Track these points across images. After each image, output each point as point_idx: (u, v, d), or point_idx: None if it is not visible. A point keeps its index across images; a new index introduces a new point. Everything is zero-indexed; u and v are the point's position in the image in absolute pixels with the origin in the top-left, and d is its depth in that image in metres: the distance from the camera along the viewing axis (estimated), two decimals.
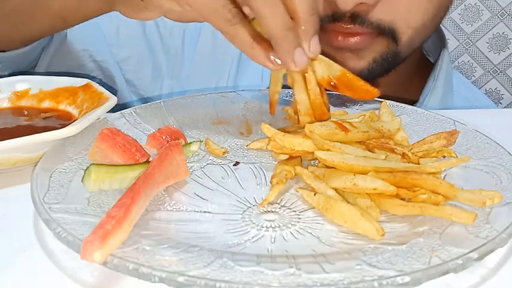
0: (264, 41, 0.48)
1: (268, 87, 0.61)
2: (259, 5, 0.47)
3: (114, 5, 0.62)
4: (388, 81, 0.80)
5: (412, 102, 0.74)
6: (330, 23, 0.72)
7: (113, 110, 0.59)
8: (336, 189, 0.47)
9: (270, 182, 0.50)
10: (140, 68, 0.87)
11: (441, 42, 0.91)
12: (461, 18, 1.74)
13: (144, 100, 0.89)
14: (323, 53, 0.51)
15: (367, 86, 0.51)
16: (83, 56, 0.84)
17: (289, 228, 0.45)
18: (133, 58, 0.86)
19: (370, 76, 0.76)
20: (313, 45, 0.49)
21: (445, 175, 0.50)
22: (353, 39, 0.72)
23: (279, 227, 0.45)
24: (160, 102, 0.64)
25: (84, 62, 0.84)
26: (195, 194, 0.49)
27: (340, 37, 0.72)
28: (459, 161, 0.49)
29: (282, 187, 0.48)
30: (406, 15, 0.72)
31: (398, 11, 0.71)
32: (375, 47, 0.74)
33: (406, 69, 0.82)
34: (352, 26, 0.71)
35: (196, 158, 0.56)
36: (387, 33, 0.72)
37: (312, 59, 0.51)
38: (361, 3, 0.68)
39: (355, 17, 0.70)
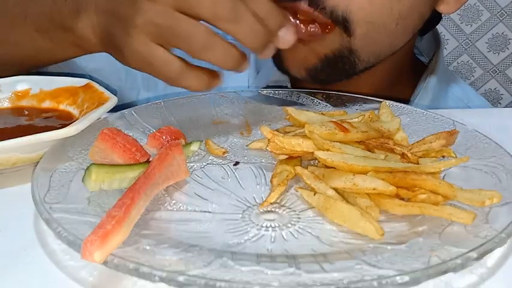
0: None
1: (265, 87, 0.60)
2: (228, 27, 0.51)
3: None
4: (373, 80, 0.77)
5: (401, 101, 0.71)
6: (288, 2, 0.66)
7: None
8: (335, 189, 0.47)
9: (271, 181, 0.50)
10: (112, 80, 0.83)
11: (436, 43, 0.87)
12: (460, 19, 1.74)
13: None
14: None
15: None
16: None
17: (289, 227, 0.45)
18: (105, 70, 0.83)
19: (325, 77, 0.72)
20: (283, 38, 0.54)
21: (445, 175, 0.51)
22: (308, 28, 0.67)
23: (278, 226, 0.45)
24: (160, 102, 0.64)
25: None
26: (195, 193, 0.50)
27: (300, 26, 0.67)
28: (458, 161, 0.49)
29: (283, 189, 0.48)
30: (364, 5, 0.66)
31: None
32: (327, 42, 0.69)
33: (392, 69, 0.79)
34: (307, 8, 0.65)
35: (196, 158, 0.56)
36: (340, 22, 0.66)
37: None
38: None
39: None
